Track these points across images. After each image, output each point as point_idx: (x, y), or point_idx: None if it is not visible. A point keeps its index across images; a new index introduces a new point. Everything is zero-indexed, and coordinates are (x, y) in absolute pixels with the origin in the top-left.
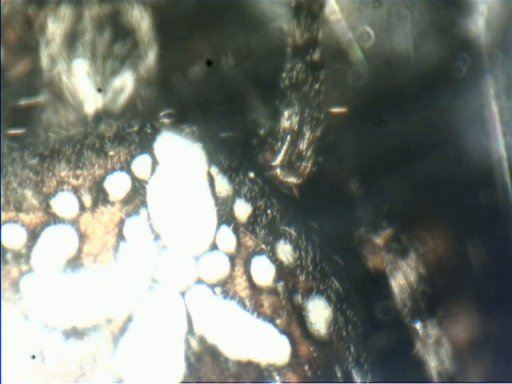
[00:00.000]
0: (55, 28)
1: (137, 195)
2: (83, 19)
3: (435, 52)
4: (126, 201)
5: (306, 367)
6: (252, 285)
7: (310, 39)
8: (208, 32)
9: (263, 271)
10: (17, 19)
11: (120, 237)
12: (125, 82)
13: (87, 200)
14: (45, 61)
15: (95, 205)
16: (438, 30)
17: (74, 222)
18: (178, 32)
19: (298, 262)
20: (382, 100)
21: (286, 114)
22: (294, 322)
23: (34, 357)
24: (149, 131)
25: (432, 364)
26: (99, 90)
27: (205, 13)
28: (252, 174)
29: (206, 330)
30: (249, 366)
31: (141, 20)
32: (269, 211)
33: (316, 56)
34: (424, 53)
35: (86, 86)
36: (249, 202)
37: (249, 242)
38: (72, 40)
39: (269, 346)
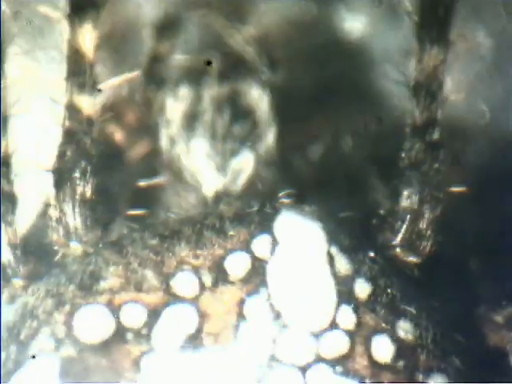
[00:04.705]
0: (175, 109)
1: (257, 274)
2: (202, 100)
3: None
4: (246, 280)
5: None
6: (372, 363)
7: (430, 118)
8: (326, 112)
9: (384, 349)
10: (136, 100)
11: (240, 316)
12: (244, 163)
13: (207, 280)
14: (164, 141)
15: (215, 284)
16: None
17: (195, 302)
18: (296, 112)
19: (419, 341)
20: (501, 178)
21: (405, 193)
22: None
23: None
24: (269, 211)
25: None
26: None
27: (323, 93)
28: (372, 253)
29: None
30: None
31: (260, 100)
32: (389, 290)
33: (435, 135)
34: None
35: (205, 167)
36: (369, 281)
37: (369, 320)
38: (191, 121)
39: None
